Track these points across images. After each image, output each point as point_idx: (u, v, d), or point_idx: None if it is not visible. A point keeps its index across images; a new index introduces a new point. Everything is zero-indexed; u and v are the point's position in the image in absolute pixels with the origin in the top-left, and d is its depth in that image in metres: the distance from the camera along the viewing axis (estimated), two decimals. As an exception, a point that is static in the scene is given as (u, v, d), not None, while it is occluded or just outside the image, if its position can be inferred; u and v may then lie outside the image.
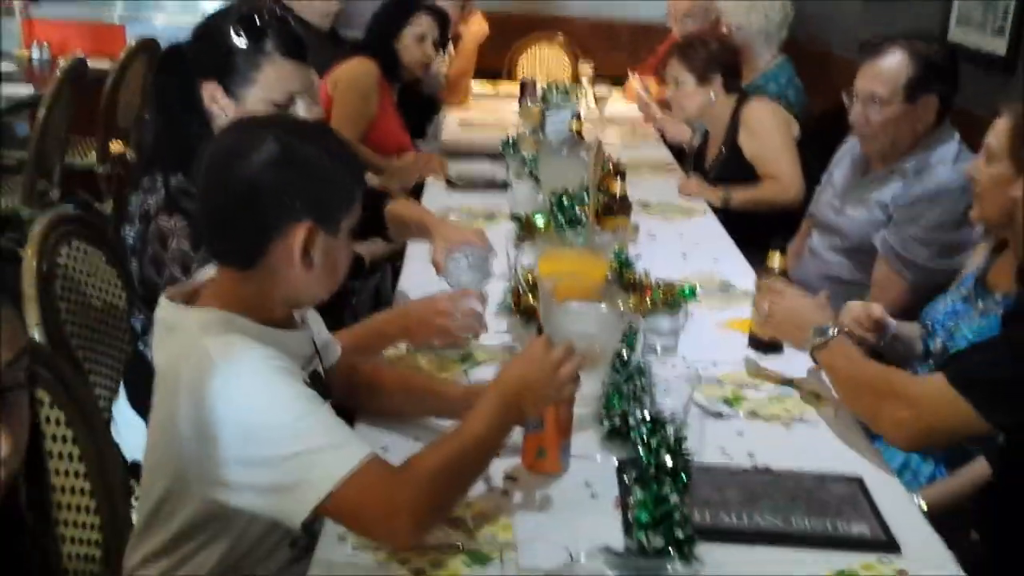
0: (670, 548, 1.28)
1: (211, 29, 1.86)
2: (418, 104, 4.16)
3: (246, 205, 1.36)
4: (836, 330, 1.80)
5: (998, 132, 1.97)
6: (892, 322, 2.20)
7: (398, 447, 1.59)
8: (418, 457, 1.35)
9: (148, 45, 4.47)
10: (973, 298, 2.02)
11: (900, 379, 1.72)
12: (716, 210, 3.16)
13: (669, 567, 1.02)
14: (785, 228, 3.14)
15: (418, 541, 1.32)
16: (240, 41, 1.82)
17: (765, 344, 2.06)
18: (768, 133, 3.32)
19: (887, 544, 1.41)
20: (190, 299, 1.43)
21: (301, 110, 1.87)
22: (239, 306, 1.38)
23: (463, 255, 2.11)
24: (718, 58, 3.39)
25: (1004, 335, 1.65)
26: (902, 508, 1.52)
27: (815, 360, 1.83)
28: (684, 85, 3.42)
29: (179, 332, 1.37)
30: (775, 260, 2.05)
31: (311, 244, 1.37)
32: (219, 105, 1.84)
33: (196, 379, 1.29)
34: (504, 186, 3.13)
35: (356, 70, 3.36)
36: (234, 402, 1.28)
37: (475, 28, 4.53)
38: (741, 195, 3.25)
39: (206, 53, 1.86)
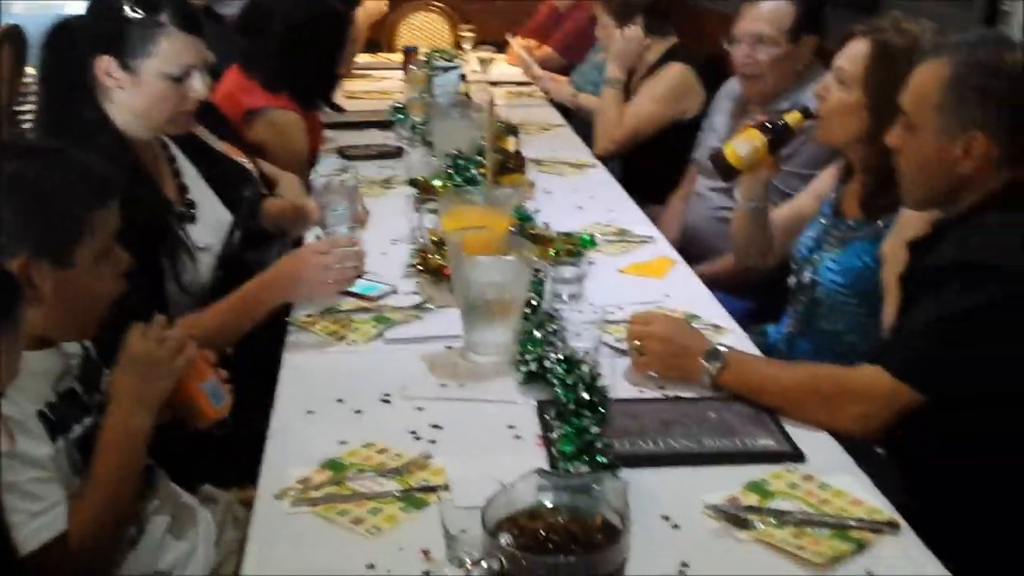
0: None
1: (106, 2, 1.86)
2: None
3: None
4: (724, 347, 1.70)
5: (853, 58, 2.03)
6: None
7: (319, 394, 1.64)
8: (73, 525, 1.34)
9: (12, 34, 4.30)
10: (830, 227, 2.13)
11: (838, 376, 1.64)
12: (606, 165, 3.26)
13: (598, 482, 1.08)
14: (671, 181, 3.29)
15: None
16: (135, 14, 1.82)
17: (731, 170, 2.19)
18: (657, 83, 3.41)
19: (792, 455, 1.51)
20: None
21: (197, 83, 1.88)
22: None
23: (334, 201, 2.15)
24: (638, 1, 3.47)
25: (930, 317, 1.59)
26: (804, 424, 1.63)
27: (718, 387, 1.67)
28: (607, 27, 3.50)
29: None
30: (793, 117, 2.12)
31: (33, 278, 1.31)
32: (114, 79, 1.84)
33: None
34: (397, 153, 3.15)
35: (285, 131, 3.06)
36: None
37: (371, 6, 4.50)
38: (585, 100, 3.37)
39: (100, 26, 1.85)
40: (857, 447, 1.59)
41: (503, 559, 0.98)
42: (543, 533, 1.04)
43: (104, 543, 1.40)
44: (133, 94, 1.86)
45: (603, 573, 0.98)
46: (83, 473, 1.40)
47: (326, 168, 2.26)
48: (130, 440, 1.43)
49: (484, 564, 0.98)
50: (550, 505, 1.08)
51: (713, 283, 2.37)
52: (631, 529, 1.04)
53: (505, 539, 1.01)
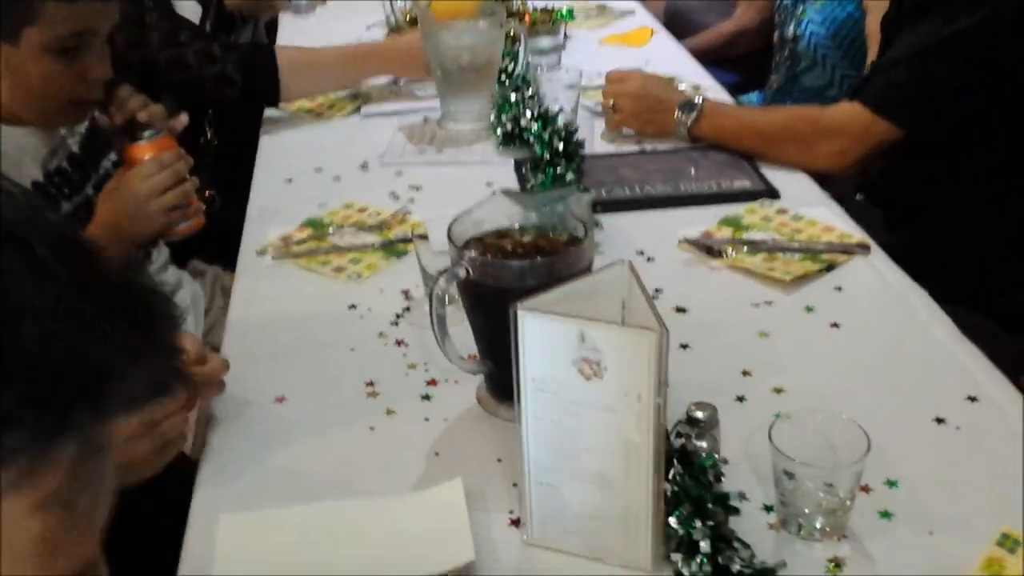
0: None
1: None
2: None
3: None
4: (700, 97, 1.68)
5: None
6: None
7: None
8: None
9: None
10: None
11: (814, 115, 1.63)
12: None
13: (563, 198, 1.10)
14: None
15: None
16: None
17: None
18: None
19: (767, 192, 1.52)
20: None
21: None
22: None
23: None
24: None
25: (909, 50, 1.56)
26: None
27: (695, 138, 1.66)
28: None
29: None
30: None
31: None
32: None
33: None
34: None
35: None
36: None
37: None
38: None
39: None
40: (837, 193, 1.60)
41: (469, 268, 1.00)
42: (510, 248, 1.06)
43: None
44: None
45: (568, 273, 1.00)
46: None
47: None
48: None
49: (454, 271, 1.00)
50: (517, 226, 1.10)
51: (698, 57, 2.33)
52: (595, 237, 1.05)
53: (474, 252, 1.03)
